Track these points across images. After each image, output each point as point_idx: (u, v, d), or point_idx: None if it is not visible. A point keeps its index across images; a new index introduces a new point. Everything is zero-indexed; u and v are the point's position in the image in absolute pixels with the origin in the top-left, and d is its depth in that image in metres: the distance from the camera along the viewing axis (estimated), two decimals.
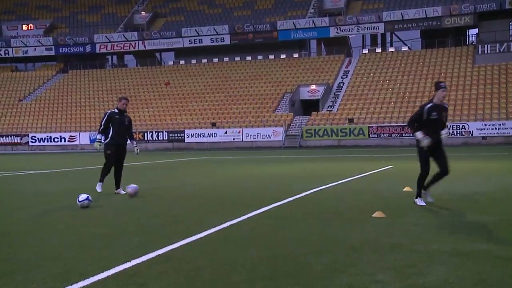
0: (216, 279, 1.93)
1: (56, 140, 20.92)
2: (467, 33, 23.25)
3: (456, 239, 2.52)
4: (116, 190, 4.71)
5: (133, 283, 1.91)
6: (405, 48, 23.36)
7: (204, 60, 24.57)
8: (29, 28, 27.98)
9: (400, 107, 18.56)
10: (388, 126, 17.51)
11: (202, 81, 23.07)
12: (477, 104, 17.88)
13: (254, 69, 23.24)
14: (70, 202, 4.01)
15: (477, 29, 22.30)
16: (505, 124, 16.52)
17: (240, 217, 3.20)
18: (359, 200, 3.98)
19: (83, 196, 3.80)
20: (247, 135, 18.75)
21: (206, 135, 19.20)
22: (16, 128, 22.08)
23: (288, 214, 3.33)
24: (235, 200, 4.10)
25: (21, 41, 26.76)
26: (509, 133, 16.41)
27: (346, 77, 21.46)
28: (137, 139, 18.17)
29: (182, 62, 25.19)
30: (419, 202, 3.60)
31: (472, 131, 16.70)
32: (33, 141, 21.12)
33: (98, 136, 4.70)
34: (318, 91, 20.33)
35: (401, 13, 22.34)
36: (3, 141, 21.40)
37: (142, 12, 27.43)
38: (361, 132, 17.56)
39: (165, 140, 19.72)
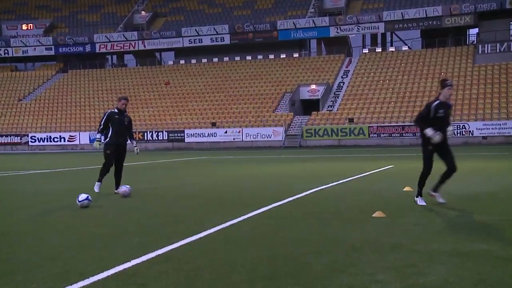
0: (216, 279, 1.93)
1: (55, 140, 20.91)
2: (468, 33, 23.22)
3: (456, 239, 2.52)
4: (116, 190, 4.70)
5: (133, 283, 1.90)
6: (405, 48, 23.35)
7: (204, 60, 24.54)
8: (29, 28, 27.96)
9: (401, 107, 18.55)
10: (388, 126, 17.50)
11: (202, 81, 23.06)
12: (478, 104, 17.87)
13: (254, 69, 23.23)
14: (70, 202, 4.01)
15: (477, 28, 22.28)
16: (506, 124, 16.50)
17: (240, 217, 3.19)
18: (359, 200, 3.98)
19: (83, 196, 3.79)
20: (247, 135, 18.74)
21: (206, 135, 19.20)
22: (16, 128, 22.08)
23: (288, 214, 3.33)
24: (235, 200, 4.10)
25: (21, 40, 26.75)
26: (510, 133, 16.39)
27: (346, 76, 21.45)
28: (137, 139, 18.15)
29: (182, 61, 25.17)
30: (420, 201, 3.60)
31: (473, 131, 16.69)
32: (33, 141, 21.11)
33: (98, 136, 4.70)
34: (318, 90, 20.33)
35: (401, 13, 22.33)
36: (2, 141, 21.40)
37: (142, 11, 27.41)
38: (361, 132, 17.55)
39: (165, 140, 19.72)
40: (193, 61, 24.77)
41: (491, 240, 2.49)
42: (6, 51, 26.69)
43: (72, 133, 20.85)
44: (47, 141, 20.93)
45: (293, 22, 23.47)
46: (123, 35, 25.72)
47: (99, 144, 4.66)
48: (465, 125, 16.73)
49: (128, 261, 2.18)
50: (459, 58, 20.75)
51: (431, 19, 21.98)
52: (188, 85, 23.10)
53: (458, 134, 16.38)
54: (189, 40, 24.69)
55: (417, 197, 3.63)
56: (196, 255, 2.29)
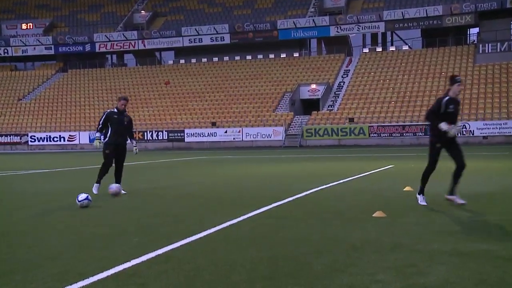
0: (216, 279, 1.92)
1: (55, 139, 20.90)
2: (468, 32, 23.19)
3: (456, 239, 2.52)
4: None
5: (132, 283, 1.90)
6: (405, 47, 23.32)
7: (204, 60, 24.51)
8: (29, 27, 27.93)
9: (401, 107, 18.54)
10: (388, 125, 17.49)
11: (202, 81, 23.04)
12: (478, 103, 17.86)
13: (254, 69, 23.21)
14: (69, 201, 4.00)
15: (478, 28, 22.23)
16: (506, 123, 16.49)
17: (240, 217, 3.19)
18: (359, 199, 3.97)
19: (82, 196, 3.79)
20: (247, 134, 18.73)
21: (206, 135, 19.20)
22: (16, 127, 22.06)
23: (288, 214, 3.33)
24: (235, 200, 4.10)
25: (21, 40, 26.72)
26: (510, 132, 16.39)
27: (347, 76, 21.43)
28: (137, 138, 18.13)
29: (182, 61, 25.14)
30: (421, 200, 3.57)
31: (473, 131, 16.69)
32: (33, 140, 21.09)
33: (97, 134, 4.71)
34: (319, 90, 20.32)
35: (402, 12, 22.30)
36: (2, 141, 21.38)
37: (142, 11, 27.38)
38: (361, 131, 17.54)
39: (165, 139, 19.70)
40: (193, 60, 24.74)
41: (492, 240, 2.48)
42: (5, 51, 26.67)
43: (72, 133, 20.85)
44: (47, 141, 20.92)
45: (293, 22, 23.44)
46: (123, 34, 25.70)
47: (99, 143, 4.66)
48: (466, 124, 16.73)
49: (128, 261, 2.17)
50: (459, 57, 20.73)
51: (431, 19, 21.95)
52: (188, 84, 23.08)
53: (459, 134, 16.31)
54: (189, 40, 24.66)
55: (419, 194, 3.60)
56: (196, 255, 2.28)
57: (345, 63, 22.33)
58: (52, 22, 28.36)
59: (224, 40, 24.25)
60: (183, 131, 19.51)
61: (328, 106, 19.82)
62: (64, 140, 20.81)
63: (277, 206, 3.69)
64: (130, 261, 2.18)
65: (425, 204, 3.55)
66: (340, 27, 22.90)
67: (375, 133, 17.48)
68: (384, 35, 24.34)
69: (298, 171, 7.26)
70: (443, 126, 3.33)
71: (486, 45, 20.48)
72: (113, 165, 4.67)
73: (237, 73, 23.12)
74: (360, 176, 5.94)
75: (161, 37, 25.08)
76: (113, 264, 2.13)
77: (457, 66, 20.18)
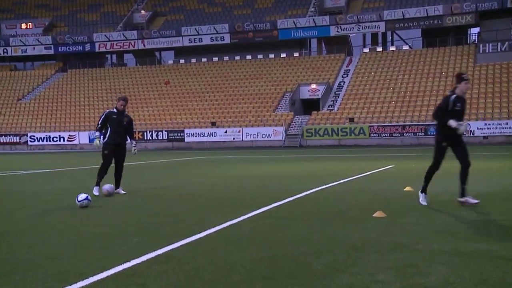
0: (216, 279, 1.92)
1: (55, 139, 20.88)
2: (469, 32, 23.18)
3: (456, 239, 2.51)
4: (115, 190, 4.69)
5: (132, 283, 1.90)
6: (406, 47, 23.31)
7: (204, 59, 24.50)
8: (28, 27, 27.92)
9: (401, 107, 18.53)
10: (388, 125, 17.47)
11: (202, 80, 23.03)
12: (478, 103, 17.84)
13: (254, 68, 23.20)
14: (69, 201, 4.00)
15: (478, 28, 22.22)
16: (507, 123, 16.48)
17: (240, 217, 3.19)
18: (359, 199, 3.97)
19: (82, 196, 3.79)
20: (247, 134, 18.72)
21: (206, 135, 19.19)
22: (15, 127, 22.04)
23: (288, 214, 3.33)
24: (235, 200, 4.10)
25: (20, 40, 26.69)
26: (510, 132, 16.39)
27: (347, 76, 21.43)
28: (137, 138, 18.12)
29: (182, 61, 25.13)
30: (422, 200, 3.55)
31: (473, 131, 16.68)
32: (32, 140, 21.08)
33: (97, 134, 4.71)
34: (319, 90, 20.31)
35: (402, 12, 22.28)
36: (2, 141, 21.36)
37: (142, 11, 27.36)
38: (361, 131, 17.53)
39: (164, 139, 19.69)
40: (193, 60, 24.73)
41: (492, 240, 2.48)
42: (5, 50, 26.65)
43: (72, 133, 20.84)
44: (47, 141, 20.91)
45: (294, 21, 23.43)
46: (122, 34, 25.68)
47: (99, 141, 4.65)
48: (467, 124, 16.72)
49: (127, 261, 2.17)
50: (460, 57, 20.73)
51: (432, 18, 21.94)
52: (188, 84, 23.06)
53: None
54: (189, 40, 24.65)
55: (421, 192, 3.58)
56: (196, 255, 2.28)
57: (345, 63, 22.32)
58: (51, 21, 28.34)
59: (224, 40, 24.24)
60: (183, 131, 19.51)
61: (328, 106, 19.81)
62: (63, 140, 20.80)
63: (277, 206, 3.69)
64: (130, 261, 2.18)
65: (425, 204, 3.54)
66: (340, 27, 22.89)
67: (375, 133, 17.46)
68: (384, 35, 24.33)
69: (298, 171, 7.26)
70: (452, 123, 3.30)
71: (487, 45, 20.46)
72: (113, 165, 4.67)
73: (237, 73, 23.11)
74: (360, 176, 5.93)
75: (161, 37, 25.07)
76: (113, 264, 2.13)
77: (458, 66, 20.18)
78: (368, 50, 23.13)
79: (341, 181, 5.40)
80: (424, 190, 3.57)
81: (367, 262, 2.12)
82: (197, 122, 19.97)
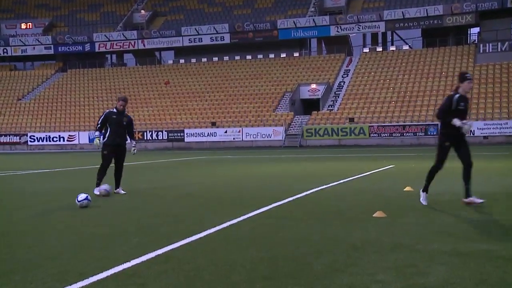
0: (216, 279, 1.92)
1: (55, 139, 20.87)
2: (469, 32, 23.17)
3: (456, 239, 2.51)
4: (115, 190, 4.69)
5: (132, 283, 1.90)
6: (406, 47, 23.32)
7: (204, 59, 24.50)
8: (28, 27, 27.91)
9: (401, 107, 18.52)
10: (389, 125, 17.46)
11: (202, 80, 23.03)
12: (479, 103, 17.84)
13: (254, 68, 23.20)
14: (69, 201, 4.00)
15: (478, 28, 22.22)
16: (507, 123, 16.50)
17: (240, 217, 3.19)
18: (359, 200, 3.97)
19: (82, 196, 3.79)
20: (247, 134, 18.72)
21: (206, 135, 19.19)
22: (15, 127, 22.03)
23: (288, 214, 3.33)
24: (235, 200, 4.09)
25: (20, 40, 26.68)
26: (510, 132, 16.41)
27: (347, 76, 21.43)
28: (137, 138, 18.10)
29: (181, 61, 25.12)
30: (423, 199, 3.54)
31: (474, 131, 16.68)
32: (32, 140, 21.08)
33: (97, 133, 4.70)
34: (319, 90, 20.31)
35: (402, 12, 22.28)
36: (1, 141, 21.35)
37: (142, 10, 27.36)
38: (361, 131, 17.52)
39: (164, 139, 19.69)
40: (193, 60, 24.72)
41: (492, 240, 2.48)
42: (5, 50, 26.65)
43: (72, 133, 20.84)
44: (46, 141, 20.90)
45: (294, 21, 23.43)
46: (122, 34, 25.68)
47: (99, 140, 4.65)
48: None
49: (127, 261, 2.17)
50: (460, 57, 20.72)
51: (432, 18, 21.93)
52: (188, 84, 23.06)
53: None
54: (189, 40, 24.64)
55: (422, 191, 3.56)
56: (196, 255, 2.28)
57: (345, 63, 22.32)
58: (51, 21, 28.33)
59: (224, 40, 24.23)
60: (183, 131, 19.50)
61: (328, 106, 19.81)
62: (63, 140, 20.80)
63: (277, 206, 3.69)
64: (130, 261, 2.18)
65: (426, 203, 3.53)
66: (340, 26, 22.88)
67: (376, 133, 17.46)
68: (384, 34, 24.34)
69: (298, 171, 7.26)
70: (457, 122, 3.28)
71: (487, 45, 20.46)
72: (113, 165, 4.66)
73: (237, 73, 23.10)
74: (360, 176, 5.93)
75: (161, 36, 25.06)
76: (113, 264, 2.13)
77: (458, 66, 20.17)
78: (368, 50, 23.13)
79: (341, 181, 5.40)
80: (425, 189, 3.56)
81: (367, 262, 2.12)
82: (197, 122, 19.97)
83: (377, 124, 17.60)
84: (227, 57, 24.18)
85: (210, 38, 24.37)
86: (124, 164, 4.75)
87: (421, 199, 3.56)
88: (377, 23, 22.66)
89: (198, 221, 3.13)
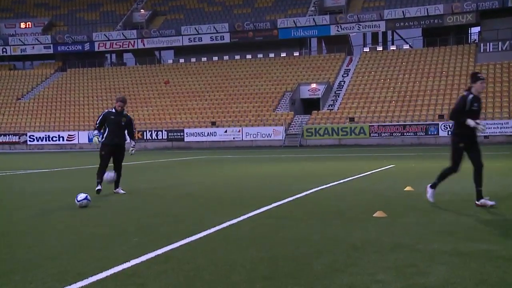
0: (215, 279, 1.92)
1: (54, 139, 20.85)
2: (469, 31, 23.13)
3: (457, 239, 2.51)
4: (114, 189, 4.69)
5: (132, 283, 1.90)
6: (406, 47, 23.30)
7: (204, 59, 24.48)
8: (27, 26, 27.87)
9: (402, 106, 18.50)
10: (389, 125, 17.44)
11: (202, 80, 23.02)
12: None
13: (254, 68, 23.18)
14: (69, 201, 3.99)
15: (479, 27, 22.14)
16: (507, 123, 16.43)
17: (240, 217, 3.19)
18: (360, 199, 3.97)
19: (81, 196, 3.78)
20: (247, 134, 18.71)
21: (205, 134, 19.18)
22: (14, 127, 22.02)
23: (288, 214, 3.33)
24: (235, 200, 4.09)
25: (19, 39, 26.65)
26: (511, 132, 16.35)
27: (347, 75, 21.41)
28: (136, 138, 18.07)
29: (181, 60, 25.10)
30: (430, 194, 3.50)
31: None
32: (31, 140, 21.06)
33: (95, 132, 4.70)
34: (319, 89, 20.30)
35: (403, 11, 22.25)
36: (1, 140, 21.32)
37: (141, 10, 27.33)
38: (362, 131, 17.51)
39: (164, 139, 19.68)
40: (193, 59, 24.70)
41: (492, 240, 2.48)
42: (4, 50, 26.61)
43: (71, 132, 20.82)
44: (46, 141, 20.88)
45: (294, 21, 23.41)
46: (122, 33, 25.65)
47: (98, 140, 4.65)
48: None
49: (127, 261, 2.17)
50: (460, 57, 20.68)
51: (432, 18, 21.90)
52: (188, 84, 23.04)
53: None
54: (188, 39, 24.62)
55: (431, 187, 3.53)
56: (196, 255, 2.28)
57: (345, 62, 22.29)
58: (51, 21, 28.30)
59: (224, 39, 24.21)
60: (183, 131, 19.49)
61: (329, 106, 19.79)
62: (63, 140, 20.78)
63: (277, 206, 3.68)
64: (129, 261, 2.17)
65: (433, 200, 3.50)
66: (341, 26, 22.85)
67: (376, 132, 17.44)
68: (384, 34, 24.30)
69: (298, 170, 7.25)
70: (471, 122, 3.27)
71: (488, 44, 20.42)
72: (111, 165, 4.66)
73: (237, 72, 23.08)
74: (361, 176, 5.93)
75: (160, 36, 25.02)
76: (113, 264, 2.13)
77: (458, 65, 20.15)
78: (368, 50, 23.11)
79: (341, 181, 5.40)
80: (434, 186, 3.52)
81: (367, 262, 2.12)
82: (197, 122, 19.95)
83: (377, 124, 17.58)
84: (227, 57, 24.16)
85: (210, 37, 24.35)
86: (123, 164, 4.74)
87: (428, 195, 3.52)
88: (378, 23, 22.63)
89: (198, 221, 3.13)
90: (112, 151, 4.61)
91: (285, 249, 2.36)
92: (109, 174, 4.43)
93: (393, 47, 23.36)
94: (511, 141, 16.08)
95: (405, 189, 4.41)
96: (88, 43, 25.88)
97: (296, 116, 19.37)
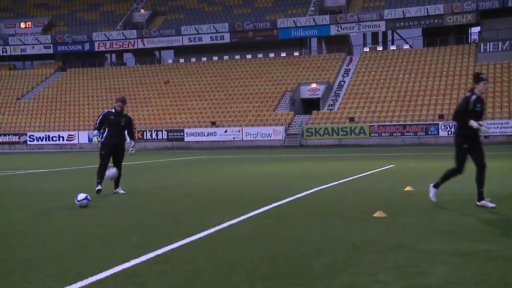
0: (215, 279, 1.92)
1: (54, 139, 20.85)
2: (469, 31, 23.14)
3: (457, 239, 2.51)
4: (114, 189, 4.69)
5: (132, 283, 1.89)
6: (406, 47, 23.31)
7: (204, 59, 24.48)
8: (27, 26, 27.87)
9: (402, 106, 18.50)
10: (389, 125, 17.44)
11: (202, 80, 23.03)
12: None
13: (254, 68, 23.18)
14: (69, 201, 3.99)
15: (479, 27, 22.14)
16: (508, 123, 16.44)
17: (240, 217, 3.18)
18: (360, 199, 3.97)
19: (81, 196, 3.78)
20: (247, 134, 18.71)
21: (205, 134, 19.18)
22: (14, 127, 22.02)
23: (288, 214, 3.33)
24: (235, 200, 4.09)
25: (19, 39, 26.66)
26: (511, 132, 16.36)
27: (347, 75, 21.41)
28: (136, 138, 18.04)
29: (181, 60, 25.10)
30: (433, 194, 3.50)
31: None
32: (31, 140, 21.06)
33: (95, 132, 4.71)
34: (319, 89, 20.31)
35: (403, 11, 22.25)
36: (1, 140, 21.32)
37: (141, 10, 27.33)
38: (362, 131, 17.51)
39: (164, 139, 19.68)
40: (193, 59, 24.69)
41: (493, 240, 2.48)
42: (4, 50, 26.61)
43: (71, 132, 20.82)
44: (46, 140, 20.88)
45: (294, 21, 23.41)
46: (122, 33, 25.64)
47: (97, 140, 4.66)
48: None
49: (127, 261, 2.17)
50: (460, 56, 20.67)
51: (432, 18, 21.89)
52: (188, 84, 23.04)
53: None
54: (188, 39, 24.61)
55: (434, 187, 3.53)
56: (196, 255, 2.28)
57: (345, 62, 22.30)
58: (51, 21, 28.30)
59: (224, 39, 24.21)
60: (183, 131, 19.49)
61: (329, 106, 19.79)
62: (63, 140, 20.78)
63: (277, 206, 3.68)
64: (129, 261, 2.17)
65: (435, 200, 3.50)
66: (341, 26, 22.85)
67: (376, 132, 17.44)
68: (384, 34, 24.29)
69: (298, 170, 7.25)
70: (474, 123, 3.27)
71: (488, 44, 20.41)
72: (111, 164, 4.66)
73: (237, 72, 23.08)
74: (361, 176, 5.93)
75: (160, 36, 25.02)
76: (112, 264, 2.12)
77: (458, 65, 20.14)
78: (368, 50, 23.11)
79: (341, 181, 5.40)
80: (437, 186, 3.52)
81: (367, 262, 2.11)
82: (196, 122, 19.95)
83: (377, 124, 17.57)
84: (227, 57, 24.16)
85: (210, 37, 24.35)
86: (122, 164, 4.74)
87: (430, 195, 3.52)
88: (378, 22, 22.63)
89: (198, 221, 3.12)
90: (111, 151, 4.62)
91: (285, 249, 2.35)
92: (111, 171, 4.45)
93: (393, 47, 23.34)
94: (511, 141, 16.08)
95: (405, 189, 4.41)
96: (88, 43, 25.88)
97: (296, 116, 19.36)
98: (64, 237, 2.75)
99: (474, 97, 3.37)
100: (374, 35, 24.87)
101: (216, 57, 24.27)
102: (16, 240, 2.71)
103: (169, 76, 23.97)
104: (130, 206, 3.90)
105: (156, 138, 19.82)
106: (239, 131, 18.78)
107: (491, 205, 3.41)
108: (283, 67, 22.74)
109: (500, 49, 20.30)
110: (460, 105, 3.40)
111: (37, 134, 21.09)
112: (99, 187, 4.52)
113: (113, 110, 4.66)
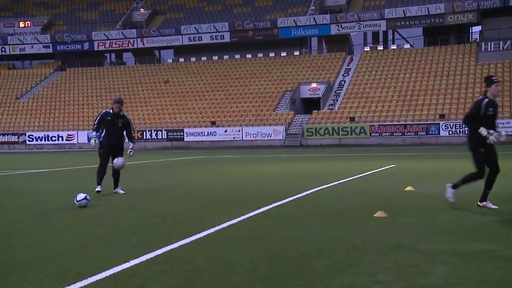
0: (215, 279, 1.92)
1: (53, 139, 20.82)
2: (470, 31, 23.10)
3: (457, 239, 2.51)
4: (114, 189, 4.69)
5: (131, 283, 1.89)
6: (407, 46, 23.25)
7: (204, 58, 24.46)
8: (26, 25, 27.85)
9: (402, 106, 18.48)
10: (390, 124, 17.42)
11: (202, 79, 23.01)
12: None
13: (254, 67, 23.16)
14: (68, 201, 3.99)
15: (480, 26, 22.09)
16: (509, 122, 16.43)
17: (240, 217, 3.18)
18: (360, 199, 3.96)
19: (81, 196, 3.78)
20: (247, 134, 18.70)
21: (205, 134, 19.18)
22: (13, 126, 21.99)
23: (288, 214, 3.32)
24: (235, 200, 4.09)
25: (18, 38, 26.63)
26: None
27: (348, 75, 21.39)
28: (136, 138, 18.05)
29: (181, 60, 25.07)
30: (450, 194, 3.45)
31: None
32: (30, 140, 21.04)
33: (93, 134, 4.72)
34: (319, 89, 20.29)
35: (403, 10, 22.21)
36: (0, 140, 21.33)
37: (141, 9, 27.30)
38: (362, 131, 17.50)
39: (164, 139, 19.67)
40: (193, 59, 24.67)
41: (493, 240, 2.48)
42: (3, 49, 26.57)
43: (70, 132, 20.81)
44: (45, 140, 20.85)
45: (294, 20, 23.37)
46: (121, 33, 25.61)
47: (95, 141, 4.67)
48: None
49: (127, 261, 2.17)
50: (461, 56, 20.64)
51: (433, 17, 21.86)
52: (188, 83, 23.02)
53: (461, 133, 16.30)
54: (188, 38, 24.59)
55: (452, 187, 3.49)
56: (196, 255, 2.27)
57: (346, 61, 22.27)
58: (50, 20, 28.27)
59: (224, 38, 24.18)
60: (183, 130, 19.48)
61: (329, 105, 19.78)
62: (62, 140, 20.75)
63: (277, 206, 3.68)
64: (129, 261, 2.17)
65: (453, 201, 3.45)
66: (341, 25, 22.82)
67: (376, 132, 17.42)
68: (385, 33, 24.27)
69: (298, 170, 7.26)
70: (483, 131, 3.25)
71: (489, 43, 20.36)
72: (110, 165, 4.66)
73: (237, 71, 23.07)
74: (361, 176, 5.93)
75: (160, 35, 24.99)
76: (112, 264, 2.12)
77: (459, 64, 20.11)
78: (369, 49, 23.06)
79: (342, 180, 5.40)
80: (456, 187, 3.48)
81: (367, 262, 2.11)
82: (196, 122, 19.93)
83: (378, 124, 17.55)
84: (227, 56, 24.13)
85: (210, 36, 24.32)
86: None
87: (448, 195, 3.48)
88: (378, 22, 22.58)
89: (198, 221, 3.12)
90: (110, 151, 4.63)
91: (285, 249, 2.35)
92: (119, 160, 4.46)
93: (393, 47, 23.31)
94: (511, 141, 16.08)
95: (405, 189, 4.41)
96: (88, 43, 25.85)
97: (297, 115, 19.35)
98: (64, 237, 2.75)
99: (486, 100, 3.32)
100: (375, 35, 24.83)
101: (216, 57, 24.24)
102: (16, 240, 2.71)
103: (168, 75, 23.93)
104: (130, 206, 3.90)
105: (155, 138, 19.81)
106: (239, 131, 18.77)
107: (493, 206, 3.40)
108: (283, 66, 22.71)
109: (501, 48, 20.24)
110: (471, 109, 3.36)
111: (36, 134, 21.07)
112: (98, 188, 4.52)
113: (111, 111, 4.66)
